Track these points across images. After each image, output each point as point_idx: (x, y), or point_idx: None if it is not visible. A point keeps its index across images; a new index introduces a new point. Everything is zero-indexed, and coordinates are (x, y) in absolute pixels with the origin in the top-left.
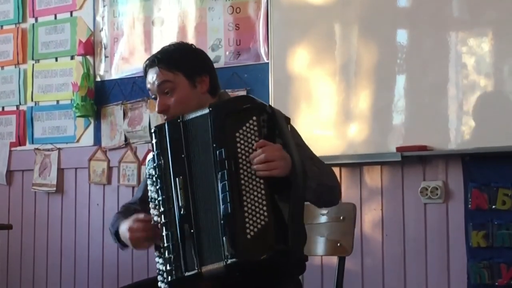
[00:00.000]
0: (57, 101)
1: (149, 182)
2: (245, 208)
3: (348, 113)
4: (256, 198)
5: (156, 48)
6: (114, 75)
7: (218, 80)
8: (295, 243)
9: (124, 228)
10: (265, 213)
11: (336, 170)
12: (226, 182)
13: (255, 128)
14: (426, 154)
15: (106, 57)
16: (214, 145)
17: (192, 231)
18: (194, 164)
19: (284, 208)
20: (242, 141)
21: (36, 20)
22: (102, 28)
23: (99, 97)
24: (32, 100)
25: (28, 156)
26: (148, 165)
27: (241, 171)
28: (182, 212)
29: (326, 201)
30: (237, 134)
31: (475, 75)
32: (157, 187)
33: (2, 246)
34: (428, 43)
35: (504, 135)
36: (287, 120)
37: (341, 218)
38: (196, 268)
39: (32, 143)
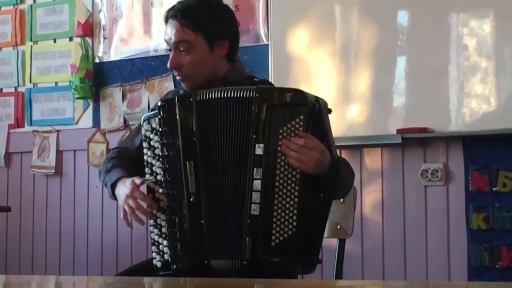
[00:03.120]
0: (56, 83)
1: (145, 145)
2: (275, 213)
3: (348, 94)
4: (287, 205)
5: (155, 29)
6: (113, 56)
7: (238, 45)
8: (316, 253)
9: (121, 193)
10: (294, 223)
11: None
12: (260, 181)
13: (300, 128)
14: (427, 136)
15: (104, 38)
16: (254, 136)
17: (202, 221)
18: (212, 150)
19: (311, 206)
20: (284, 140)
21: (34, 1)
22: (100, 9)
23: (98, 78)
24: (30, 82)
25: (27, 138)
26: (144, 124)
27: (278, 172)
28: (191, 200)
29: (338, 197)
30: (281, 131)
31: (476, 57)
32: (163, 166)
33: (1, 229)
34: (429, 25)
35: (505, 117)
36: (329, 112)
37: (341, 200)
38: (206, 260)
39: (31, 125)
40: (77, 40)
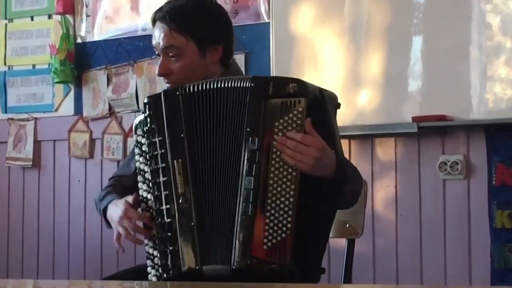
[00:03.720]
0: (33, 66)
1: (136, 151)
2: (268, 214)
3: (358, 78)
4: (282, 205)
5: (143, 6)
6: (97, 36)
7: (233, 48)
8: (315, 260)
9: (113, 214)
10: (289, 225)
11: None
12: (252, 178)
13: (299, 121)
14: (445, 125)
15: (87, 16)
16: (248, 129)
17: (192, 224)
18: (202, 145)
19: (310, 208)
20: (280, 133)
21: None
22: None
23: (80, 61)
24: (5, 64)
25: (1, 127)
26: (136, 130)
27: (272, 168)
28: (181, 201)
29: (345, 206)
30: (277, 124)
31: (500, 36)
32: (151, 167)
33: None
34: (448, 0)
35: None
36: (338, 106)
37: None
38: (197, 266)
39: (5, 112)
40: (57, 17)
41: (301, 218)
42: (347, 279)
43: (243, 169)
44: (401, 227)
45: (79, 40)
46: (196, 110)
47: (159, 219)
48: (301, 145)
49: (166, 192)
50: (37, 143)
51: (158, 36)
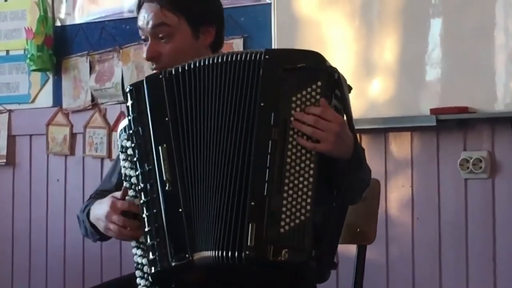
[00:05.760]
0: (7, 52)
1: (122, 156)
2: (285, 195)
3: (370, 65)
4: (301, 185)
5: None
6: (78, 18)
7: (223, 34)
8: (329, 249)
9: (99, 212)
10: (308, 207)
11: None
12: (268, 156)
13: (317, 96)
14: (468, 118)
15: None
16: (262, 104)
17: (180, 210)
18: (192, 126)
19: (327, 193)
20: (298, 109)
21: None
22: None
23: (59, 46)
24: None
25: None
26: (120, 135)
27: (290, 146)
28: (167, 188)
29: (351, 201)
30: (294, 99)
31: None
32: (134, 158)
33: None
34: None
35: None
36: (349, 89)
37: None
38: (187, 256)
39: None
40: None
41: (319, 201)
42: None
43: (254, 147)
44: (418, 231)
45: (58, 23)
46: (181, 89)
47: (145, 212)
48: (321, 120)
49: (151, 181)
50: (11, 138)
51: (146, 16)
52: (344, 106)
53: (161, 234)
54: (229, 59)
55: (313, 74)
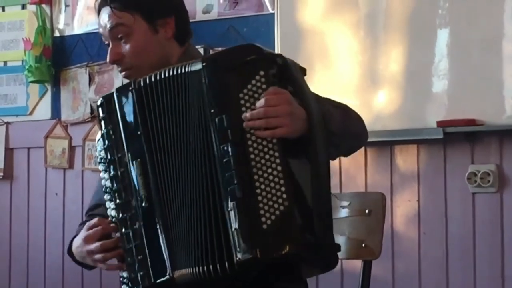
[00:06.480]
0: (5, 63)
1: (101, 167)
2: (258, 190)
3: (375, 77)
4: (271, 177)
5: None
6: (77, 29)
7: (188, 23)
8: (322, 229)
9: (78, 247)
10: (284, 195)
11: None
12: (230, 158)
13: (264, 86)
14: (475, 130)
15: (66, 6)
16: (212, 110)
17: (157, 227)
18: (164, 140)
19: (302, 174)
20: (248, 104)
21: None
22: None
23: (58, 57)
24: None
25: None
26: (98, 146)
27: (250, 142)
28: (144, 205)
29: (349, 152)
30: (241, 95)
31: None
32: (110, 174)
33: None
34: None
35: None
36: (303, 71)
37: (367, 211)
38: (168, 274)
39: None
40: (32, 8)
41: (295, 185)
42: None
43: (216, 154)
44: (425, 247)
45: (57, 34)
46: (151, 103)
47: (123, 229)
48: (269, 109)
49: (129, 198)
50: (8, 151)
51: (102, 21)
52: (295, 88)
53: (141, 251)
54: (175, 73)
55: (254, 66)
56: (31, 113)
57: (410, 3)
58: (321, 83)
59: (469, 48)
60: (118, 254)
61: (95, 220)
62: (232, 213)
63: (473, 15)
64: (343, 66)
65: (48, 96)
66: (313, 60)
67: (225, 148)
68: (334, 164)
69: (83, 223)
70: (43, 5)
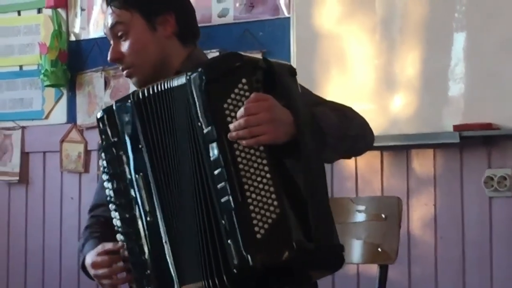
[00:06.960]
0: (20, 67)
1: (104, 177)
2: (249, 200)
3: (391, 81)
4: (261, 185)
5: None
6: (93, 33)
7: (193, 22)
8: (320, 231)
9: (89, 261)
10: (275, 202)
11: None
12: (221, 169)
13: (247, 93)
14: (492, 134)
15: (82, 10)
16: (199, 123)
17: (163, 241)
18: (163, 154)
19: (293, 178)
20: (232, 113)
21: None
22: None
23: (73, 61)
24: None
25: None
26: (100, 155)
27: (237, 152)
28: (148, 219)
29: (351, 154)
30: (225, 106)
31: None
32: (114, 187)
33: None
34: None
35: None
36: (292, 72)
37: (383, 216)
38: None
39: None
40: (47, 12)
41: (286, 191)
42: None
43: (208, 167)
44: (441, 251)
45: (72, 38)
46: (150, 116)
47: (130, 245)
48: (250, 118)
49: (133, 212)
50: (24, 155)
51: (106, 20)
52: (281, 91)
53: (149, 266)
54: (164, 87)
55: (236, 75)
56: (46, 117)
57: (426, 7)
58: (337, 87)
59: (485, 51)
60: (127, 281)
61: (103, 248)
62: (226, 225)
63: (489, 19)
64: (359, 70)
65: (63, 100)
66: (329, 64)
67: (215, 160)
68: (350, 168)
69: (87, 227)
70: (59, 9)
